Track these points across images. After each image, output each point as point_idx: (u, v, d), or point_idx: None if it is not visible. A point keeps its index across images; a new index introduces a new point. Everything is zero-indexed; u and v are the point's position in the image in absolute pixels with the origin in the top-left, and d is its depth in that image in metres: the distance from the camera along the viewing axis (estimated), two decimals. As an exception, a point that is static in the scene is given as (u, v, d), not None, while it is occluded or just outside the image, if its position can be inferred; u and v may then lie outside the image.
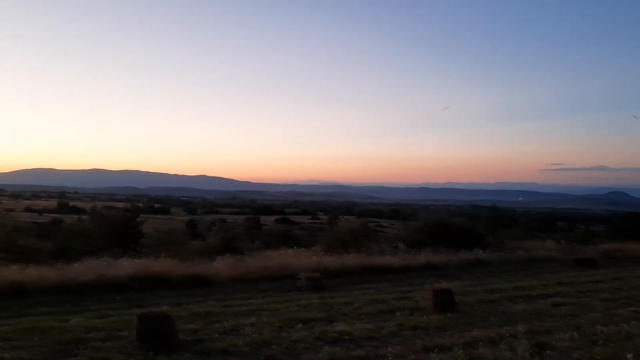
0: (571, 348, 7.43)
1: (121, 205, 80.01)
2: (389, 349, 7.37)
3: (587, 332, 8.42)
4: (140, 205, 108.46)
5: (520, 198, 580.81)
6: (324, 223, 71.96)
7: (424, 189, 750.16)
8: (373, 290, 13.95)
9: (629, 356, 6.58)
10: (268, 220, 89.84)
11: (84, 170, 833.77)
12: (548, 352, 7.24)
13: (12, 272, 12.97)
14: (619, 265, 21.36)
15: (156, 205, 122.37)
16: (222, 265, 16.62)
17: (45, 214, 71.96)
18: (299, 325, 9.08)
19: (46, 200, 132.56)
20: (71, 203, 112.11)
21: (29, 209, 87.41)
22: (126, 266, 14.84)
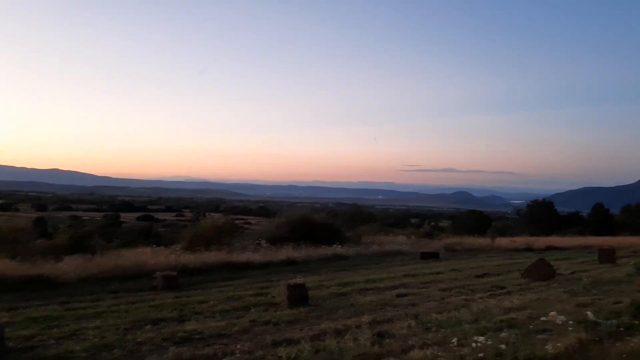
0: (408, 335, 8.03)
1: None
2: (238, 346, 7.39)
3: (423, 319, 9.16)
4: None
5: (380, 196, 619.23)
6: (188, 220, 70.11)
7: (291, 187, 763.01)
8: (231, 287, 13.88)
9: (453, 340, 7.28)
10: (129, 217, 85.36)
11: None
12: (387, 340, 7.75)
13: None
14: (458, 257, 23.63)
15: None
16: (69, 266, 15.50)
17: None
18: (147, 327, 8.74)
19: None
20: None
21: None
22: (-49, 269, 13.18)
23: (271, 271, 17.59)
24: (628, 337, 7.40)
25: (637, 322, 8.30)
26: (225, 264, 17.97)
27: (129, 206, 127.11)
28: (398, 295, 12.07)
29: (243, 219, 72.61)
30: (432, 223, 59.56)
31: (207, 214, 68.80)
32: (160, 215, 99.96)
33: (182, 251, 20.12)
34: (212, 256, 18.59)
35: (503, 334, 7.64)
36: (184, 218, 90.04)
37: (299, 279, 12.64)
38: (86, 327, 8.61)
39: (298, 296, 10.84)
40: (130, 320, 9.24)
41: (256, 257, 19.30)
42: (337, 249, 22.76)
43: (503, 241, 31.06)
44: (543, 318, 8.66)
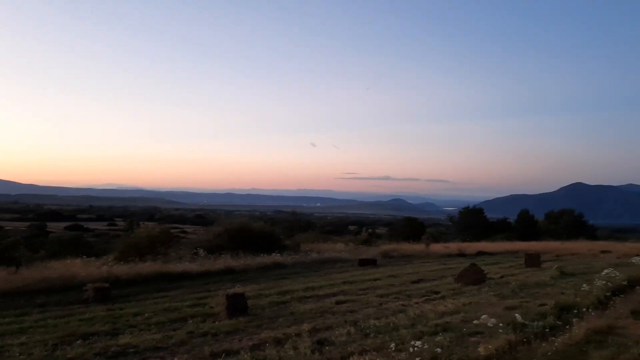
0: (347, 342, 8.16)
1: None
2: (175, 358, 7.25)
3: (362, 326, 9.33)
4: None
5: (319, 204, 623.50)
6: (121, 229, 67.78)
7: (229, 195, 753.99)
8: (167, 298, 13.54)
9: (391, 345, 7.46)
10: (57, 227, 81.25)
11: None
12: (327, 347, 7.83)
13: None
14: (394, 263, 24.14)
15: None
16: (-10, 279, 14.54)
17: None
18: (78, 342, 8.37)
19: None
20: None
21: None
22: None
23: (209, 281, 17.28)
24: (552, 337, 7.88)
25: (560, 322, 8.86)
26: (161, 274, 17.47)
27: (56, 215, 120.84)
28: (337, 303, 12.21)
29: (179, 228, 70.95)
30: (370, 230, 60.58)
31: (141, 223, 66.74)
32: (91, 225, 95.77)
33: (115, 262, 19.38)
34: (146, 267, 18.01)
35: (438, 338, 7.91)
36: (116, 227, 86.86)
37: (237, 288, 12.49)
38: (11, 344, 8.16)
39: (237, 306, 10.73)
40: (59, 335, 8.81)
41: (193, 266, 18.89)
42: (277, 257, 22.67)
43: (437, 247, 32.05)
44: (475, 321, 9.03)
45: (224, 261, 20.37)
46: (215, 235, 26.15)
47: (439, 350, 6.98)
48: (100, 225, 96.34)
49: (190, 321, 10.06)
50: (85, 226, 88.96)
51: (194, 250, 22.42)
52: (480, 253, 30.13)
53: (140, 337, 8.56)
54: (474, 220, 58.17)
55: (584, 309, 9.59)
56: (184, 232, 62.99)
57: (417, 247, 31.03)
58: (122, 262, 19.14)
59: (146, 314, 10.82)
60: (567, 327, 8.59)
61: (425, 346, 7.12)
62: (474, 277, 15.78)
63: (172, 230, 33.45)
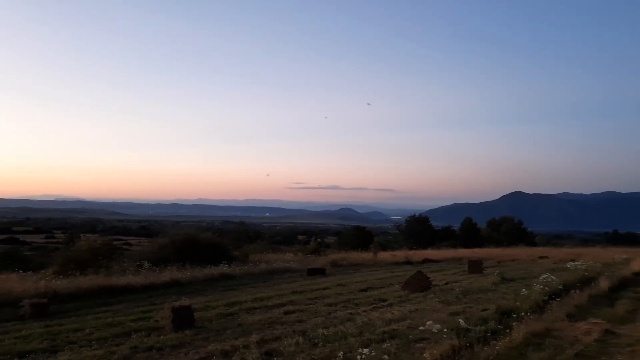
0: (296, 352, 8.15)
1: None
2: (119, 375, 7.00)
3: (310, 335, 9.35)
4: None
5: (267, 214, 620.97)
6: (61, 242, 65.02)
7: (175, 205, 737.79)
8: (110, 312, 13.10)
9: (339, 354, 7.50)
10: (-10, 240, 77.03)
11: None
12: (275, 358, 7.81)
13: None
14: (343, 272, 24.34)
15: None
16: None
17: None
18: (13, 361, 7.97)
19: None
20: None
21: None
22: None
23: (154, 294, 16.85)
24: (494, 341, 8.17)
25: (501, 326, 9.19)
26: (103, 288, 16.88)
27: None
28: (286, 313, 12.19)
29: (123, 240, 68.92)
30: (319, 239, 60.58)
31: (82, 235, 64.23)
32: (28, 238, 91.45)
33: (54, 276, 18.59)
34: (87, 280, 17.37)
35: (385, 345, 8.05)
36: (55, 240, 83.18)
37: (184, 301, 12.24)
38: (-62, 366, 7.66)
39: (183, 319, 10.52)
40: (-7, 354, 8.36)
41: (137, 279, 18.36)
42: (225, 268, 22.36)
43: (385, 255, 32.56)
44: (421, 327, 9.21)
45: (170, 273, 19.92)
46: (161, 246, 25.51)
47: (386, 357, 7.08)
48: (38, 238, 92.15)
49: (134, 336, 9.77)
50: (21, 239, 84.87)
51: (138, 263, 21.79)
52: (426, 260, 30.83)
53: (81, 354, 8.25)
54: (420, 229, 59.48)
55: (523, 313, 9.98)
56: (128, 244, 61.23)
57: (366, 255, 31.40)
58: (61, 276, 18.39)
59: (87, 330, 10.44)
60: (508, 330, 8.92)
61: (373, 353, 7.21)
62: (419, 284, 16.14)
63: (115, 242, 32.43)
